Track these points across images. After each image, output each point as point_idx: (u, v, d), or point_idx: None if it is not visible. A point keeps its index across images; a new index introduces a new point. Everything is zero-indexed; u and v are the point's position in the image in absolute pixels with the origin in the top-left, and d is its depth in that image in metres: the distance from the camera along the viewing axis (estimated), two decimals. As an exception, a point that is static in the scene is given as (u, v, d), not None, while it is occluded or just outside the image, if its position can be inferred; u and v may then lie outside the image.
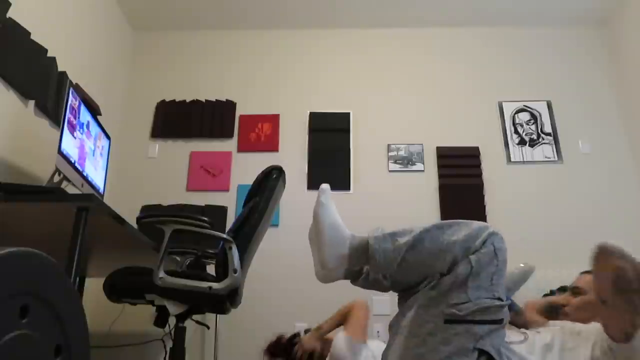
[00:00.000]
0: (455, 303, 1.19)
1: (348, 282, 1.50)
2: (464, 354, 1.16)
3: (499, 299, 1.21)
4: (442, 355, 1.17)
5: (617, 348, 1.18)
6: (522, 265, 1.84)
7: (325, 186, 1.40)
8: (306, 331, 2.13)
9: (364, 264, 1.34)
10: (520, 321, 1.69)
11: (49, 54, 2.54)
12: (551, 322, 1.52)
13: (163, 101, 3.52)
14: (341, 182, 3.27)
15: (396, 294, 1.47)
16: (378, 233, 1.32)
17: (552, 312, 1.59)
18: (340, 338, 1.89)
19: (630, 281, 1.12)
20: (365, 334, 1.97)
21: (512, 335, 1.32)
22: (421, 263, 1.26)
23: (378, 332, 2.91)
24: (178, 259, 2.65)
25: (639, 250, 1.38)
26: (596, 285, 1.16)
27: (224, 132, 3.42)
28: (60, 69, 2.64)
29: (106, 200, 3.02)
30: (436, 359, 1.17)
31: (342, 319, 2.06)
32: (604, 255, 1.19)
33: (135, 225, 1.96)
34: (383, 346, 1.85)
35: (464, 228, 1.26)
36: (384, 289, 1.48)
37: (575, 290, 1.53)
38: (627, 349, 1.15)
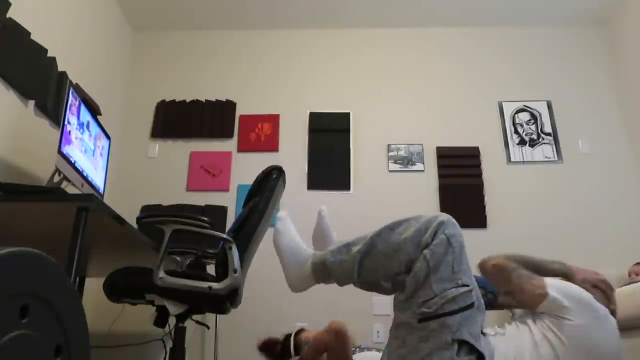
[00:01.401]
0: (423, 301, 1.20)
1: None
2: (444, 347, 1.16)
3: (464, 285, 1.21)
4: (422, 354, 1.18)
5: (548, 310, 1.25)
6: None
7: (281, 214, 1.46)
8: (297, 332, 2.06)
9: (329, 279, 1.37)
10: (510, 301, 1.66)
11: (49, 54, 2.54)
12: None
13: (163, 101, 3.52)
14: (341, 182, 3.27)
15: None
16: (334, 247, 1.36)
17: None
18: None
19: (506, 266, 1.36)
20: None
21: (491, 329, 1.33)
22: (378, 266, 1.27)
23: (378, 332, 2.91)
24: (178, 259, 2.65)
25: (639, 250, 1.39)
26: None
27: (224, 132, 3.42)
28: (60, 69, 2.64)
29: (106, 200, 3.02)
30: (418, 357, 1.18)
31: (321, 349, 1.95)
32: (481, 266, 1.46)
33: (135, 225, 1.96)
34: (378, 356, 1.84)
35: (413, 224, 1.27)
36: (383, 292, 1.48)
37: None
38: (551, 304, 1.24)
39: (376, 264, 1.28)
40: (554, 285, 1.27)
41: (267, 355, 2.09)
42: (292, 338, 2.01)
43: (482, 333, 1.28)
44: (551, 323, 1.23)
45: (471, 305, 1.21)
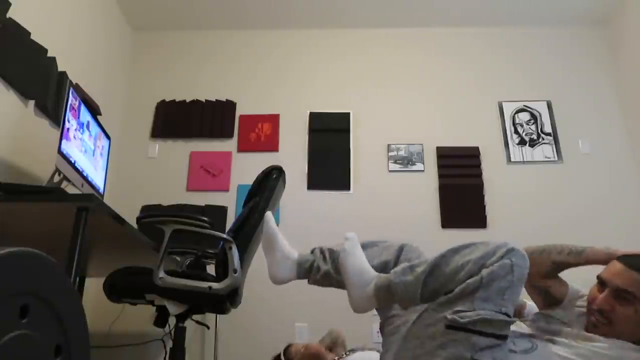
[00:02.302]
0: (459, 310, 1.18)
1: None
2: None
3: (507, 314, 1.17)
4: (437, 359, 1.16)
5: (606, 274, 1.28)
6: None
7: (350, 235, 1.46)
8: (286, 348, 2.08)
9: (392, 301, 1.36)
10: (517, 313, 1.67)
11: (49, 54, 2.54)
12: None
13: (163, 101, 3.52)
14: (341, 182, 3.27)
15: None
16: (398, 268, 1.34)
17: None
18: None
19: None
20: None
21: (518, 342, 1.28)
22: (440, 287, 1.25)
23: (378, 332, 2.91)
24: (178, 259, 2.65)
25: (639, 250, 1.38)
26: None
27: (224, 132, 3.42)
28: (60, 69, 2.64)
29: (106, 200, 3.02)
30: None
31: None
32: None
33: (135, 225, 1.96)
34: (376, 356, 1.85)
35: (481, 247, 1.24)
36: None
37: (619, 294, 1.27)
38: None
39: (438, 285, 1.25)
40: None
41: None
42: (282, 355, 2.02)
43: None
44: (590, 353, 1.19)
45: (504, 337, 1.18)
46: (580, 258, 1.40)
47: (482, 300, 1.16)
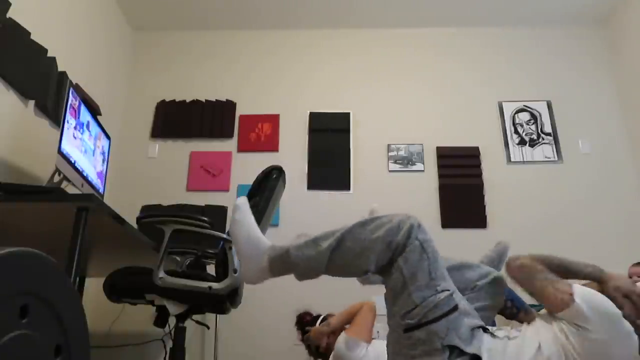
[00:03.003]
0: (405, 312, 1.19)
1: (348, 284, 1.51)
2: (434, 354, 1.16)
3: (444, 290, 1.19)
4: None
5: (569, 318, 1.18)
6: (496, 245, 1.85)
7: (239, 201, 1.40)
8: (325, 318, 2.12)
9: (287, 273, 1.34)
10: (529, 320, 1.67)
11: (49, 54, 2.54)
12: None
13: (163, 101, 3.52)
14: (341, 182, 3.27)
15: None
16: (300, 241, 1.32)
17: None
18: (340, 338, 1.92)
19: (532, 267, 1.32)
20: (368, 334, 1.99)
21: (511, 332, 1.29)
22: (348, 263, 1.26)
23: (378, 332, 2.91)
24: (178, 259, 2.65)
25: (639, 250, 1.38)
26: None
27: (224, 132, 3.42)
28: (60, 69, 2.64)
29: (106, 200, 3.02)
30: None
31: (349, 318, 2.08)
32: (508, 265, 1.40)
33: (135, 225, 1.96)
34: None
35: (386, 222, 1.25)
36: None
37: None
38: (574, 313, 1.17)
39: (345, 261, 1.26)
40: (580, 294, 1.19)
41: (298, 326, 2.21)
42: (320, 318, 2.10)
43: (487, 331, 1.26)
44: (569, 332, 1.17)
45: (455, 309, 1.19)
46: (595, 274, 1.36)
47: (417, 290, 1.18)
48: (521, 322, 1.67)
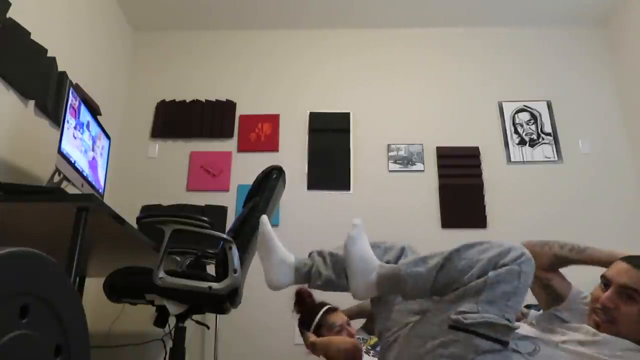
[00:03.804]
0: (463, 310, 1.18)
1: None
2: None
3: (510, 320, 1.17)
4: (438, 359, 1.16)
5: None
6: None
7: (356, 221, 1.47)
8: (328, 310, 2.00)
9: (394, 290, 1.36)
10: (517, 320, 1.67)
11: (49, 54, 2.54)
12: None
13: (163, 101, 3.52)
14: (341, 182, 3.27)
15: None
16: (410, 259, 1.34)
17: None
18: None
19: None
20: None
21: (520, 344, 1.28)
22: (452, 281, 1.25)
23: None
24: (178, 259, 2.65)
25: (639, 250, 1.38)
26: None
27: (224, 132, 3.42)
28: (60, 69, 2.64)
29: (106, 200, 3.02)
30: None
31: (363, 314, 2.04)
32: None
33: (135, 225, 1.96)
34: None
35: (496, 246, 1.24)
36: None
37: (622, 291, 1.25)
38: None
39: (449, 280, 1.25)
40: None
41: (296, 303, 2.10)
42: (320, 314, 1.96)
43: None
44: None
45: (505, 344, 1.17)
46: (581, 255, 1.41)
47: (486, 302, 1.16)
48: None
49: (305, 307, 2.06)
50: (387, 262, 1.50)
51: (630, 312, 1.21)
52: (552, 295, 1.44)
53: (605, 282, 1.30)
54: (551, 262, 1.43)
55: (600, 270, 1.35)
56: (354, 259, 1.38)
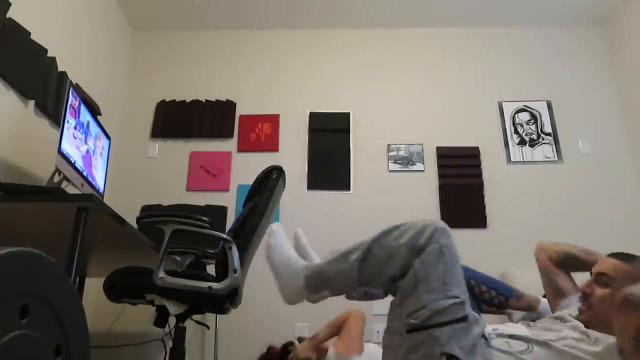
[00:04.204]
0: (411, 312, 1.18)
1: None
2: None
3: (455, 296, 1.18)
4: None
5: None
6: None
7: (274, 227, 1.46)
8: (299, 339, 2.11)
9: (323, 290, 1.36)
10: (523, 305, 1.66)
11: (49, 54, 2.54)
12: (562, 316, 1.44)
13: (163, 101, 3.52)
14: (341, 182, 3.27)
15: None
16: (331, 257, 1.34)
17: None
18: (329, 354, 1.89)
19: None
20: (358, 345, 1.96)
21: (513, 343, 1.27)
22: (377, 271, 1.26)
23: (378, 332, 2.91)
24: (178, 259, 2.65)
25: (639, 250, 1.39)
26: (618, 336, 1.13)
27: (224, 132, 3.42)
28: (60, 69, 2.64)
29: (106, 200, 3.02)
30: None
31: (337, 329, 2.05)
32: (629, 306, 1.19)
33: (135, 225, 1.96)
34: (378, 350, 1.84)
35: (410, 228, 1.25)
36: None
37: (599, 278, 1.30)
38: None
39: (374, 269, 1.26)
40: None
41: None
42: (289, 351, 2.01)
43: (490, 345, 1.24)
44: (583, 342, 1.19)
45: (464, 319, 1.17)
46: (590, 257, 1.45)
47: (426, 292, 1.17)
48: (515, 308, 1.66)
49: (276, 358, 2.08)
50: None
51: (603, 295, 1.26)
52: (554, 289, 1.48)
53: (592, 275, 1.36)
54: (560, 257, 1.49)
55: None
56: (279, 267, 1.40)
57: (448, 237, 1.23)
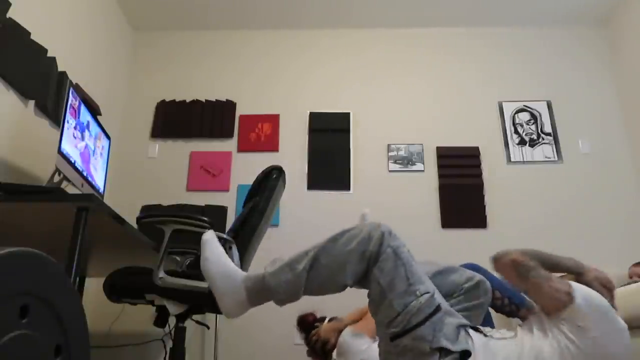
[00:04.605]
0: (388, 321, 1.19)
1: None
2: (424, 358, 1.15)
3: (425, 292, 1.19)
4: None
5: (568, 317, 1.18)
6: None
7: (206, 236, 1.36)
8: (331, 319, 2.12)
9: (266, 300, 1.30)
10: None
11: (49, 54, 2.54)
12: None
13: (163, 101, 3.52)
14: (341, 182, 3.27)
15: None
16: (275, 266, 1.30)
17: None
18: (345, 330, 1.92)
19: (524, 264, 1.28)
20: (373, 334, 1.98)
21: (500, 332, 1.29)
22: (325, 281, 1.25)
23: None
24: (178, 259, 2.65)
25: (639, 250, 1.39)
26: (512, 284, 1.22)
27: (224, 132, 3.42)
28: (60, 69, 2.64)
29: (106, 200, 3.02)
30: None
31: (361, 316, 2.08)
32: (497, 260, 1.36)
33: (135, 225, 1.96)
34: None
35: (356, 234, 1.26)
36: None
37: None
38: (575, 312, 1.17)
39: (323, 279, 1.25)
40: (580, 292, 1.19)
41: (300, 327, 2.18)
42: (332, 340, 2.02)
43: (478, 330, 1.26)
44: (569, 332, 1.17)
45: (438, 309, 1.19)
46: (577, 267, 1.38)
47: (398, 297, 1.18)
48: (524, 319, 1.67)
49: (311, 335, 2.12)
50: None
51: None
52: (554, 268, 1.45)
53: None
54: (543, 259, 1.39)
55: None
56: (216, 279, 1.30)
57: (396, 238, 1.24)
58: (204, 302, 1.87)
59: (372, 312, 1.26)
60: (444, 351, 1.16)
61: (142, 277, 1.80)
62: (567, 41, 3.63)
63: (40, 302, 0.83)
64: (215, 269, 1.32)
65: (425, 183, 3.27)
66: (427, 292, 1.20)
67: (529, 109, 3.46)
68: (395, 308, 1.18)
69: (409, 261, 1.22)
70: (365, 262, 1.22)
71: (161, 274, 1.77)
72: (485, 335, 1.25)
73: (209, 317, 2.92)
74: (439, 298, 1.23)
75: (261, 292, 1.28)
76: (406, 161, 3.34)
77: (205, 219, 1.82)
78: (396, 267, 1.20)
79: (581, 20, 3.63)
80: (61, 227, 1.75)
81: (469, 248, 3.05)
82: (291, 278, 1.26)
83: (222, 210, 3.19)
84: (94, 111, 2.81)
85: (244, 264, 1.89)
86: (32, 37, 2.39)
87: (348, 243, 1.25)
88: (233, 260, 1.82)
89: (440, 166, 3.30)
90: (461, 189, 3.22)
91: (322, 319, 2.15)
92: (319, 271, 1.25)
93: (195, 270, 2.34)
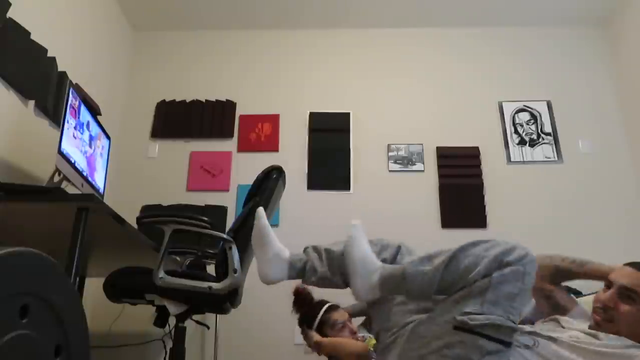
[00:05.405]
0: (468, 312, 1.17)
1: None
2: None
3: (514, 322, 1.18)
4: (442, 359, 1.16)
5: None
6: None
7: (356, 222, 1.46)
8: (330, 308, 1.96)
9: (398, 290, 1.35)
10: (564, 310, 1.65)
11: (49, 54, 2.54)
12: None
13: (163, 101, 3.52)
14: (341, 182, 3.27)
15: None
16: (414, 258, 1.33)
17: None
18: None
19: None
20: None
21: (519, 338, 1.28)
22: (458, 278, 1.24)
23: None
24: (178, 259, 2.65)
25: (639, 250, 1.39)
26: None
27: (224, 132, 3.42)
28: (60, 69, 2.64)
29: (106, 200, 3.02)
30: None
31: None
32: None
33: (135, 225, 1.96)
34: None
35: (501, 244, 1.24)
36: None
37: (622, 292, 1.26)
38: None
39: (455, 277, 1.24)
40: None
41: (296, 302, 2.04)
42: (322, 312, 1.92)
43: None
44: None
45: (509, 345, 1.18)
46: (581, 269, 1.41)
47: (490, 303, 1.16)
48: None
49: (305, 306, 2.03)
50: (384, 260, 1.49)
51: (629, 312, 1.23)
52: (554, 306, 1.45)
53: (608, 284, 1.31)
54: (552, 273, 1.44)
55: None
56: (355, 262, 1.37)
57: (534, 267, 1.21)
58: (204, 302, 1.87)
59: (456, 297, 1.22)
60: None
61: (142, 277, 1.80)
62: (568, 41, 3.63)
63: (40, 302, 0.83)
64: (357, 250, 1.39)
65: (425, 183, 3.27)
66: (514, 326, 1.18)
67: (529, 109, 3.46)
68: (483, 307, 1.16)
69: (526, 291, 1.20)
70: (497, 264, 1.19)
71: (161, 274, 1.77)
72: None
73: (209, 317, 2.92)
74: (516, 338, 1.22)
75: (396, 280, 1.31)
76: (406, 161, 3.33)
77: (205, 219, 1.82)
78: (513, 283, 1.17)
79: (581, 21, 3.63)
80: (61, 227, 1.75)
81: (469, 248, 3.05)
82: (429, 270, 1.27)
83: (222, 210, 3.19)
84: (94, 111, 2.81)
85: (243, 264, 1.89)
86: (32, 37, 2.39)
87: (490, 248, 1.24)
88: (233, 260, 1.83)
89: (440, 166, 3.30)
90: (461, 189, 3.22)
91: (322, 303, 2.01)
92: (454, 269, 1.25)
93: (195, 270, 2.34)
